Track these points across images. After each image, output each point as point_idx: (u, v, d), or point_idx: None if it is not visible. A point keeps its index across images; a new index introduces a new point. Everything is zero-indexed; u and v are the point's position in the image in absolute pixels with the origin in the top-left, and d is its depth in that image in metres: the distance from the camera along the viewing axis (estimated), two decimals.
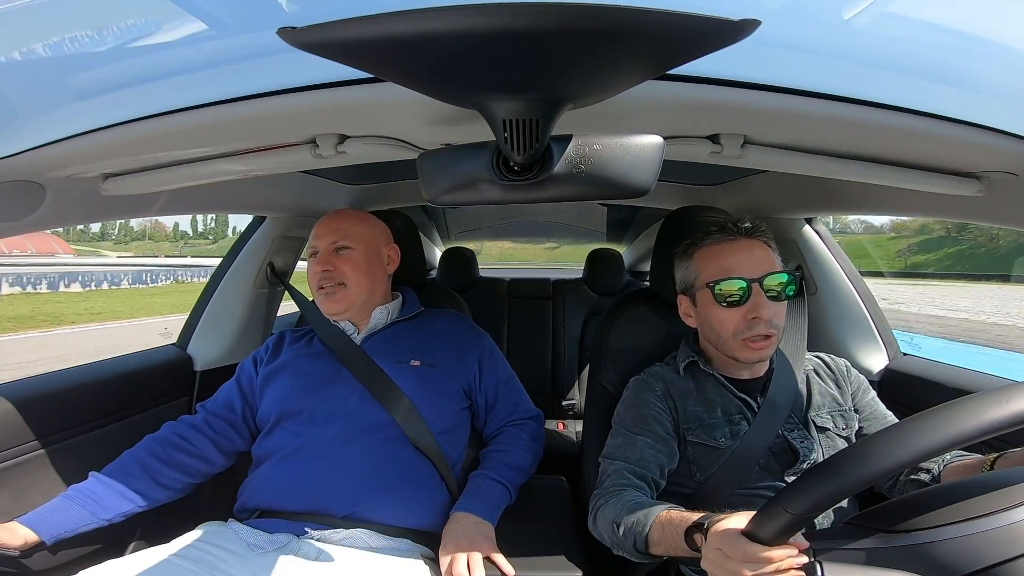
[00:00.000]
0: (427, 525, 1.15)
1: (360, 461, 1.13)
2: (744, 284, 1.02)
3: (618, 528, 0.93)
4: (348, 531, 1.07)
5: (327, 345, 1.29)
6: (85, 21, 0.65)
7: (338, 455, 1.13)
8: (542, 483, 1.35)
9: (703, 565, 0.73)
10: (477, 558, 1.01)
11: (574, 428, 2.44)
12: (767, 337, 1.02)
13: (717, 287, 1.03)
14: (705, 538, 0.74)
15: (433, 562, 1.10)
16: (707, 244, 1.09)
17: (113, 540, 1.20)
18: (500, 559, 1.02)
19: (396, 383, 1.20)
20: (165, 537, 1.07)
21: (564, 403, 2.60)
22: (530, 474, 1.29)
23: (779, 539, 0.65)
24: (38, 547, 1.01)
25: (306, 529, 1.08)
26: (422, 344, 1.30)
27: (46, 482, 1.14)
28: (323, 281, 1.26)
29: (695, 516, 0.81)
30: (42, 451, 1.16)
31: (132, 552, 1.24)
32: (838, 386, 1.14)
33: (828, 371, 1.17)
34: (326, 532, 1.07)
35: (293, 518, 1.10)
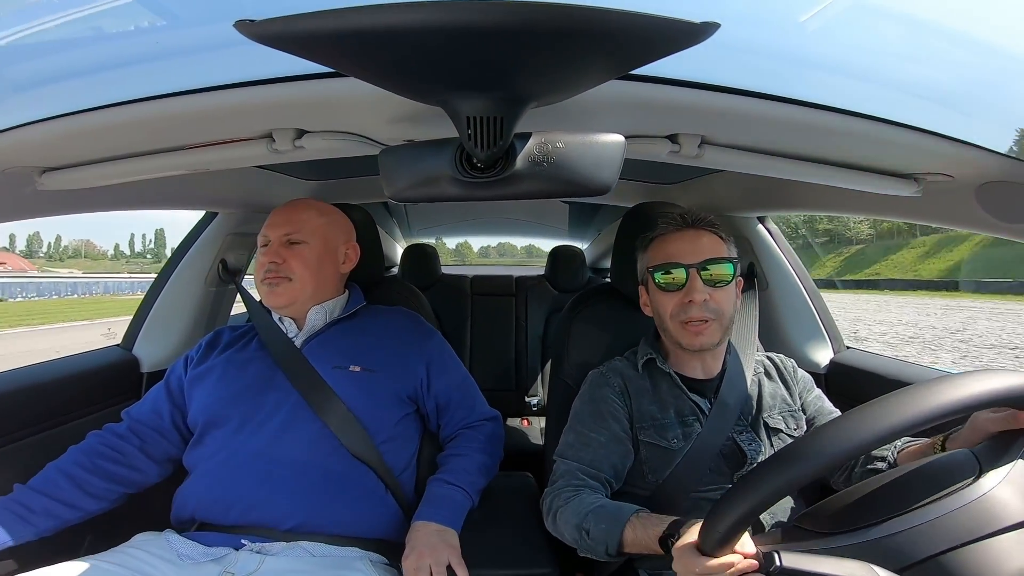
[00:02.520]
0: (376, 533, 1.11)
1: (293, 475, 1.07)
2: (682, 269, 1.06)
3: (587, 535, 0.94)
4: (288, 543, 1.03)
5: (266, 346, 1.22)
6: (25, 9, 0.61)
7: (268, 468, 1.07)
8: (508, 480, 1.35)
9: None
10: (439, 567, 0.99)
11: (538, 425, 2.45)
12: (704, 321, 1.05)
13: (657, 272, 1.09)
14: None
15: (387, 567, 1.08)
16: (658, 235, 1.13)
17: (62, 552, 1.13)
18: (461, 569, 1.01)
19: (334, 390, 1.14)
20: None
21: (527, 400, 2.61)
22: (491, 475, 1.27)
23: (722, 549, 0.67)
24: None
25: (243, 542, 1.03)
26: (364, 348, 1.23)
27: None
28: (268, 273, 1.19)
29: (666, 521, 0.83)
30: None
31: None
32: (786, 386, 1.17)
33: (776, 371, 1.20)
34: (265, 544, 1.02)
35: (230, 531, 1.05)
